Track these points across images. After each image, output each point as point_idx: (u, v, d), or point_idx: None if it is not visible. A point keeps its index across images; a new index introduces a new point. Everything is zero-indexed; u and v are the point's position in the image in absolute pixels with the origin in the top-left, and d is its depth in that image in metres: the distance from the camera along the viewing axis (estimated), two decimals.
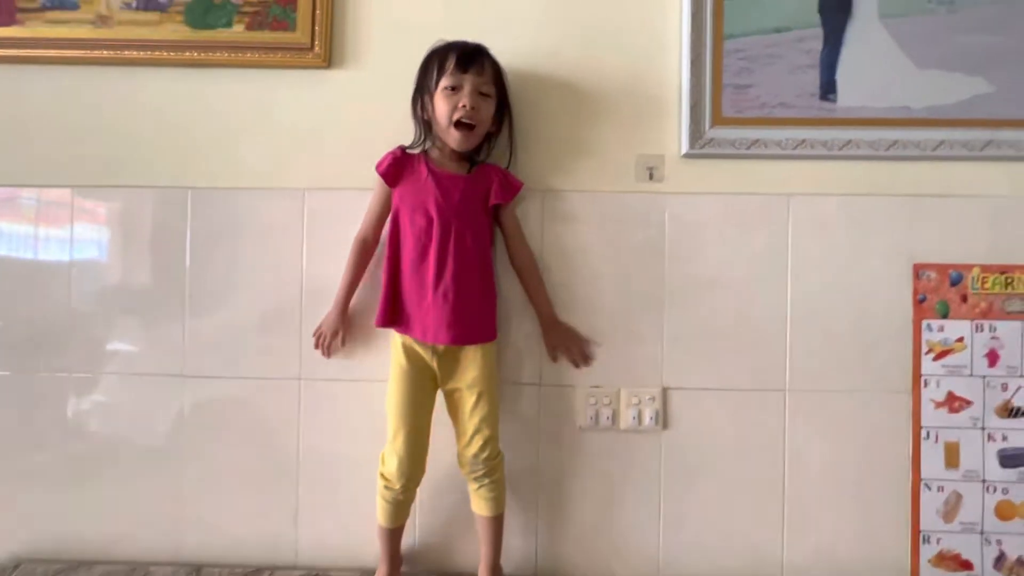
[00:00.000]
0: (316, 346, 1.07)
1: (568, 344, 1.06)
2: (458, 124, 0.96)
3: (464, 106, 0.94)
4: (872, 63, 1.08)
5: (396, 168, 1.01)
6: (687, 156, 1.09)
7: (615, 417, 1.08)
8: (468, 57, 0.96)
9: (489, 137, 1.03)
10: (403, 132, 1.06)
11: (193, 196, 1.12)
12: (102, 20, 1.13)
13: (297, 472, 1.10)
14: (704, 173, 1.09)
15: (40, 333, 1.12)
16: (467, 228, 0.97)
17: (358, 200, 1.07)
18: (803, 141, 1.07)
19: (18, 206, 1.13)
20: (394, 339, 1.01)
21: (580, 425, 1.08)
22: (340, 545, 1.10)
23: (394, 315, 0.99)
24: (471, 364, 0.97)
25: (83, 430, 1.12)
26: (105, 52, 1.12)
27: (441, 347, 0.97)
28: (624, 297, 1.09)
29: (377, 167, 1.01)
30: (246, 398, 1.10)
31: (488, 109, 0.98)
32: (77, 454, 1.12)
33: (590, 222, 1.09)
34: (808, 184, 1.09)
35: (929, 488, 1.06)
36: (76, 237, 1.12)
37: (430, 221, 0.96)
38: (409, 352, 0.99)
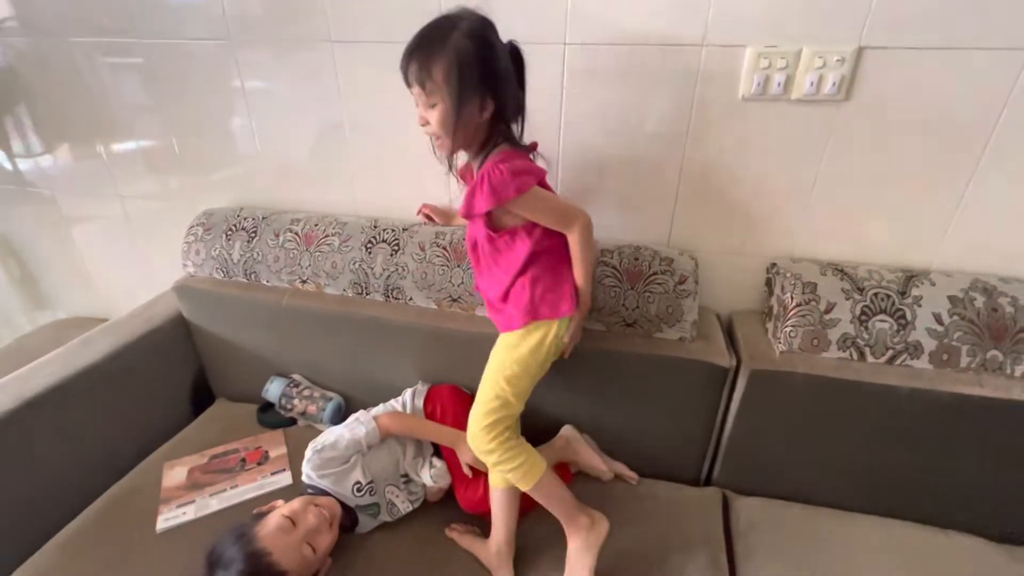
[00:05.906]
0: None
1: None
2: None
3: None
4: None
5: None
6: None
7: (788, 84, 0.94)
8: (403, 68, 0.82)
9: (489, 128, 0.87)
10: None
11: None
12: None
13: None
14: None
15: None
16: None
17: None
18: None
19: None
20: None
21: (743, 94, 0.97)
22: None
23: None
24: None
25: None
26: None
27: None
28: None
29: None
30: None
31: (439, 114, 0.82)
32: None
33: None
34: None
35: None
36: None
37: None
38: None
